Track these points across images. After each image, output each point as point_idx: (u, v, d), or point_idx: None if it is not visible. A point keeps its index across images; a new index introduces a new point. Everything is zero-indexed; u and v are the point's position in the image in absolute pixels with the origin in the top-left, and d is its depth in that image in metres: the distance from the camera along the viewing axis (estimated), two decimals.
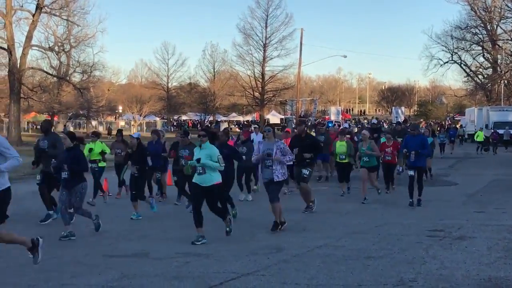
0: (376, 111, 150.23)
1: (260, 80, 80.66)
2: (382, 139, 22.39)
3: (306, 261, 10.33)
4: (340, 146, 19.83)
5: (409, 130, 22.45)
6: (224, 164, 12.24)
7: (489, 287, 8.74)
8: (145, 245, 11.70)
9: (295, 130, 24.06)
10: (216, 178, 12.10)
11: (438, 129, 60.17)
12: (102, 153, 18.61)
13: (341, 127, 28.34)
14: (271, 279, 9.10)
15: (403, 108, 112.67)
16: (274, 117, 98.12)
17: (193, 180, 12.18)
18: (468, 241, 12.18)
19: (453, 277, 9.24)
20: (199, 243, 11.74)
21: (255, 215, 15.48)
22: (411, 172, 17.29)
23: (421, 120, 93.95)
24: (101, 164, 18.60)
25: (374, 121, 35.49)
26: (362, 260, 10.39)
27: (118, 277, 9.25)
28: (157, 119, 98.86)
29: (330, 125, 41.90)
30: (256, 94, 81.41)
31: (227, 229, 12.84)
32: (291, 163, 14.60)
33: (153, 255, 10.89)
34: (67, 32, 65.65)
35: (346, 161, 19.68)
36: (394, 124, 36.51)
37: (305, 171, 15.89)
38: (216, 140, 14.23)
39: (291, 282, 8.94)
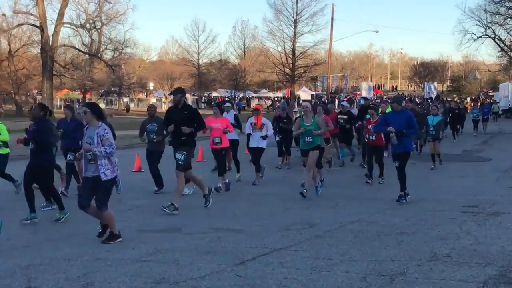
0: (408, 86, 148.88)
1: (291, 56, 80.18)
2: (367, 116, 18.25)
3: (339, 237, 10.31)
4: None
5: (417, 110, 20.76)
6: None
7: None
8: (177, 221, 11.75)
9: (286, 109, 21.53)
10: None
11: (472, 104, 59.11)
12: None
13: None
14: (303, 254, 9.09)
15: (435, 83, 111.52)
16: (305, 93, 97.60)
17: None
18: (502, 216, 12.06)
19: (487, 252, 9.15)
20: None
21: (287, 191, 15.44)
22: (397, 164, 13.91)
23: (454, 96, 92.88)
24: (2, 151, 14.89)
25: (361, 101, 27.34)
26: (395, 236, 10.33)
27: (152, 251, 9.31)
28: (188, 96, 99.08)
29: (362, 102, 40.77)
30: (287, 70, 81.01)
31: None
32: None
33: (186, 230, 10.94)
34: (98, 9, 65.79)
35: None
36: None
37: (179, 156, 12.66)
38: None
39: (324, 257, 8.92)
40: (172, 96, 13.28)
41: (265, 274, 8.02)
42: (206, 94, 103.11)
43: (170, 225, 11.35)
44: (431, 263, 8.58)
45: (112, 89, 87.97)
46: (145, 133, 15.76)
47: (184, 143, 12.75)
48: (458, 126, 33.78)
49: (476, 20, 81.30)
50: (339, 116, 21.48)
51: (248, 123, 17.46)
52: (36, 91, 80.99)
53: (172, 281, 7.74)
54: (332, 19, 71.30)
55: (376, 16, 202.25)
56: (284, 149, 20.91)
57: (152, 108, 16.29)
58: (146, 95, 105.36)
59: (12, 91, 72.18)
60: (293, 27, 79.61)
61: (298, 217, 12.13)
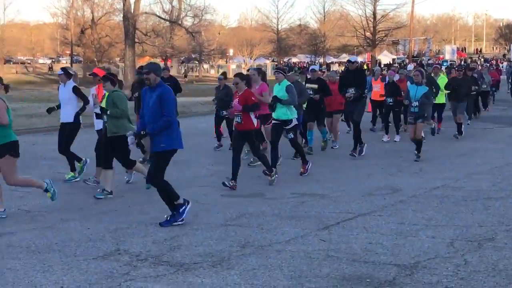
0: (493, 49, 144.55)
1: (372, 20, 79.00)
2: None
3: (424, 202, 10.17)
4: (104, 101, 11.27)
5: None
6: None
7: None
8: (260, 186, 11.81)
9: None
10: None
11: None
12: None
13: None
14: (388, 219, 9.01)
15: None
16: (385, 57, 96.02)
17: None
18: None
19: None
20: None
21: (371, 156, 15.27)
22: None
23: None
24: None
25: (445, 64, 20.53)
26: (482, 201, 10.12)
27: (236, 216, 9.41)
28: (267, 61, 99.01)
29: (445, 64, 38.97)
30: (368, 34, 79.91)
31: None
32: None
33: (269, 195, 11.00)
34: None
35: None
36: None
37: None
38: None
39: (409, 222, 8.83)
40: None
41: (350, 239, 8.00)
42: (285, 59, 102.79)
43: (254, 190, 11.43)
44: None
45: (193, 55, 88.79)
46: None
47: None
48: None
49: None
50: (306, 85, 15.90)
51: None
52: (119, 58, 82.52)
53: (257, 245, 7.81)
54: None
55: None
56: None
57: None
58: (226, 62, 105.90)
59: (95, 59, 73.69)
60: None
61: (381, 182, 12.01)
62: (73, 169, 12.52)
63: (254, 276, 6.65)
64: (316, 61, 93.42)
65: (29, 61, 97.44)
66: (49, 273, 6.82)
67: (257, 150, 12.10)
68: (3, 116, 9.28)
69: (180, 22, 67.97)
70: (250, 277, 6.62)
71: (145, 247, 7.80)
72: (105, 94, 11.37)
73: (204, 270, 6.88)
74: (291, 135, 12.84)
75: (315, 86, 15.74)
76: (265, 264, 7.04)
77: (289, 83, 12.87)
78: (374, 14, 78.48)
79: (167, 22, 70.52)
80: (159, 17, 69.07)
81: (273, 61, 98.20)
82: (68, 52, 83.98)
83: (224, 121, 16.46)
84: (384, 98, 18.70)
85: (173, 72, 79.13)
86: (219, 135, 16.95)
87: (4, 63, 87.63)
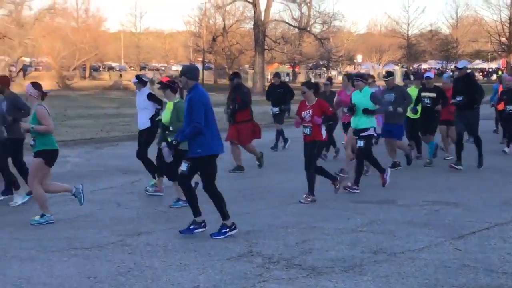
0: None
1: (507, 25, 76.52)
2: None
3: None
4: (167, 111, 10.59)
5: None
6: None
7: None
8: (390, 193, 11.63)
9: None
10: None
11: None
12: None
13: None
14: None
15: None
16: None
17: None
18: None
19: None
20: None
21: (506, 165, 14.73)
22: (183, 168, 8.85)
23: None
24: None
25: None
26: None
27: (367, 222, 9.32)
28: (397, 67, 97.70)
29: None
30: (503, 39, 77.46)
31: None
32: None
33: (400, 202, 10.83)
34: None
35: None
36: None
37: None
38: None
39: None
40: None
41: (486, 249, 7.76)
42: (415, 65, 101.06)
43: (384, 197, 11.28)
44: None
45: (321, 62, 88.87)
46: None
47: None
48: None
49: None
50: (422, 94, 14.90)
51: None
52: (248, 65, 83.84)
53: (389, 252, 7.71)
54: None
55: None
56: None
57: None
58: (354, 68, 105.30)
59: (226, 66, 75.19)
60: None
61: None
62: (153, 176, 12.00)
63: (388, 283, 6.57)
64: (448, 67, 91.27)
65: (163, 68, 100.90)
66: (186, 272, 7.02)
67: (313, 164, 10.87)
68: (50, 124, 9.48)
69: (309, 29, 68.29)
70: (384, 283, 6.55)
71: (277, 249, 7.88)
72: (166, 103, 10.87)
73: (336, 274, 6.86)
74: (362, 143, 11.75)
75: (433, 94, 14.82)
76: (398, 271, 6.94)
77: (372, 91, 12.07)
78: (510, 19, 76.00)
79: (296, 29, 71.04)
80: (288, 24, 69.73)
81: (402, 67, 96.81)
82: (200, 59, 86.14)
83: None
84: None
85: (300, 79, 79.87)
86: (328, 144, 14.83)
87: (140, 70, 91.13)
